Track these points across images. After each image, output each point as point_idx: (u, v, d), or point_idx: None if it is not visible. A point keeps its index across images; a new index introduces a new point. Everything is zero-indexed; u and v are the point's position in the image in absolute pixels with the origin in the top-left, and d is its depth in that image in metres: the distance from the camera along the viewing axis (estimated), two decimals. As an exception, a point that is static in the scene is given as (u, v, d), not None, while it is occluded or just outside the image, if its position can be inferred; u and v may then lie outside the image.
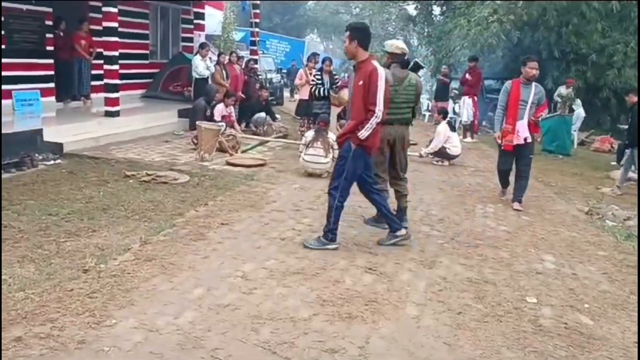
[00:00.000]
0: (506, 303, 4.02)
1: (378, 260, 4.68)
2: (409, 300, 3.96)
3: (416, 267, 4.62)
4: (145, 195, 6.24)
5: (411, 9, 23.24)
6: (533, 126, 6.83)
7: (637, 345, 3.53)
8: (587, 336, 3.60)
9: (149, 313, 3.47)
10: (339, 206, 4.83)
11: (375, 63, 4.70)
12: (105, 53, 9.72)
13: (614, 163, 11.33)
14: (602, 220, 6.70)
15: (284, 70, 22.71)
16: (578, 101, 14.42)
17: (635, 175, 9.61)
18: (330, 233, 4.87)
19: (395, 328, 3.52)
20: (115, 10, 9.32)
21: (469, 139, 12.62)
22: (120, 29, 10.26)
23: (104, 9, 9.40)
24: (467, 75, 12.74)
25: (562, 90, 13.60)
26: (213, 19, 17.27)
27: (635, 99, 9.24)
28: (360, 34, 4.75)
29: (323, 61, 9.64)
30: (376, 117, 4.61)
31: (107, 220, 5.30)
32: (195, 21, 12.49)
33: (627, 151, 9.07)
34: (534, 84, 6.72)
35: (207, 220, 5.45)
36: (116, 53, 9.60)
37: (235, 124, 10.22)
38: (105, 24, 9.44)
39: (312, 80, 9.45)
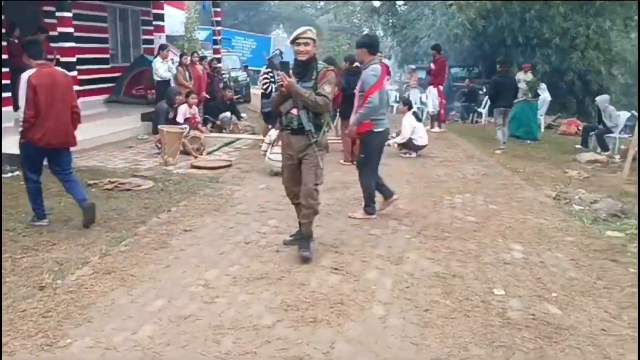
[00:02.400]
0: (474, 297, 3.98)
1: (344, 260, 4.60)
2: (375, 299, 3.89)
3: (383, 264, 4.56)
4: (107, 204, 6.08)
5: (375, 1, 23.21)
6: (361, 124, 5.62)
7: (603, 332, 3.52)
8: (555, 326, 3.57)
9: (106, 330, 3.34)
10: (32, 190, 5.32)
11: (31, 71, 4.99)
12: (62, 59, 9.44)
13: (579, 146, 11.48)
14: (570, 205, 6.72)
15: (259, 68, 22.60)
16: (543, 85, 14.54)
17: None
18: (35, 212, 5.35)
19: (361, 330, 3.45)
20: (69, 15, 9.07)
21: (436, 129, 12.62)
22: (77, 34, 10.00)
23: (58, 14, 9.13)
24: (432, 65, 12.73)
25: (520, 75, 13.70)
26: (174, 20, 16.97)
27: (500, 68, 11.47)
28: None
29: (275, 56, 9.41)
30: (23, 115, 5.04)
31: (67, 233, 5.14)
32: (154, 22, 12.24)
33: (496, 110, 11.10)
34: (367, 68, 5.56)
35: (169, 227, 5.31)
36: (73, 59, 9.33)
37: (200, 126, 10.04)
38: (60, 29, 9.17)
39: (263, 79, 9.33)
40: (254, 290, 3.95)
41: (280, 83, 4.41)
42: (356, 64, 9.06)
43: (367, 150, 5.74)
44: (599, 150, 10.83)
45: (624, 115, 11.25)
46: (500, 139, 10.71)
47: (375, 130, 5.62)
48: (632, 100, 20.28)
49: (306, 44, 4.41)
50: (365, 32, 31.61)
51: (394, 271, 4.42)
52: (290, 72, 4.45)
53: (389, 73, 15.30)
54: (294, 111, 4.48)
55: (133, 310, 3.61)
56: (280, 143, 7.45)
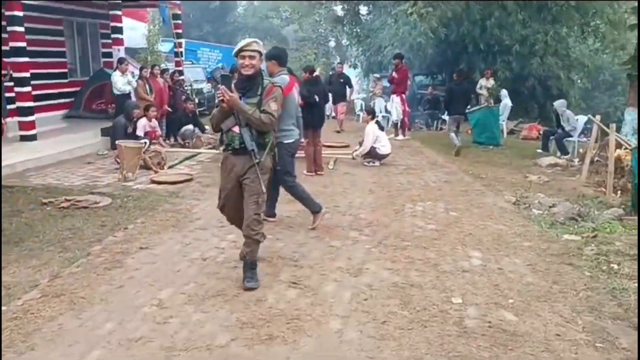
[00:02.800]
0: (431, 307, 3.96)
1: (303, 273, 4.54)
2: (332, 313, 3.84)
3: (342, 276, 4.51)
4: (63, 223, 5.91)
5: (339, 10, 23.33)
6: None
7: (558, 337, 3.54)
8: (511, 333, 3.57)
9: (50, 357, 3.21)
10: None
11: None
12: (15, 75, 9.21)
13: (540, 150, 11.66)
14: (529, 210, 6.79)
15: None
16: (504, 91, 14.79)
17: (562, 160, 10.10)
18: None
19: (317, 345, 3.40)
20: (21, 29, 8.85)
21: (400, 137, 12.70)
22: (32, 48, 9.80)
23: (9, 28, 8.90)
24: (394, 74, 12.82)
25: (483, 82, 13.89)
26: (136, 32, 16.78)
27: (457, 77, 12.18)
28: None
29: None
30: None
31: (18, 255, 4.96)
32: (113, 36, 12.04)
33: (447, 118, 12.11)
34: (275, 79, 5.36)
35: (125, 245, 5.18)
36: (27, 74, 9.12)
37: (161, 139, 9.89)
38: (12, 44, 8.94)
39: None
40: (209, 309, 3.86)
41: (222, 98, 4.02)
42: (316, 73, 9.10)
43: (279, 162, 5.53)
44: (559, 154, 11.03)
45: (582, 119, 11.48)
46: (455, 139, 11.24)
47: (285, 141, 5.63)
48: (591, 104, 20.81)
49: (251, 57, 4.12)
50: (330, 42, 31.84)
51: (353, 283, 4.38)
52: (233, 86, 4.12)
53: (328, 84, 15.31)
54: (236, 129, 4.15)
55: (81, 335, 3.48)
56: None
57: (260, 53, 4.18)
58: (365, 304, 4.00)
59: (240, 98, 4.10)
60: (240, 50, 4.13)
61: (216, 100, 4.20)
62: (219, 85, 4.09)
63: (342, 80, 14.19)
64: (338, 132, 13.93)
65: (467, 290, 4.27)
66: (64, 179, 8.08)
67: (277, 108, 4.20)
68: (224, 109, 4.09)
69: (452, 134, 11.37)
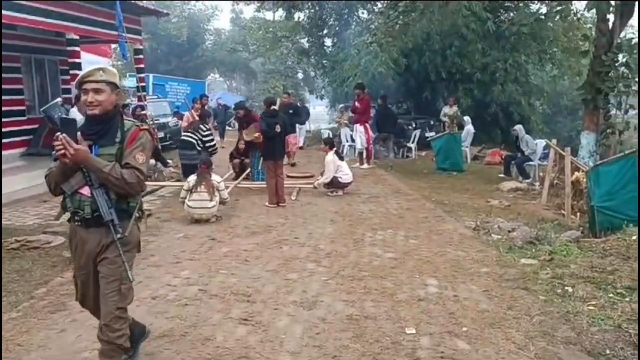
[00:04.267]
0: (384, 338, 3.87)
1: (255, 309, 4.42)
2: (282, 349, 3.72)
3: (295, 310, 4.40)
4: (11, 265, 5.69)
5: (305, 42, 23.58)
6: None
7: (510, 366, 3.48)
8: (463, 363, 3.50)
9: (-22, 410, 3.02)
10: None
11: None
12: (-33, 113, 9.00)
13: (502, 175, 11.79)
14: (489, 235, 6.79)
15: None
16: (467, 118, 15.00)
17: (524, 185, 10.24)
18: None
19: (263, 385, 3.27)
20: (-28, 67, 8.67)
21: (365, 165, 12.72)
22: (-15, 86, 9.58)
23: (-40, 66, 8.72)
24: (356, 104, 12.90)
25: (447, 109, 14.02)
26: (99, 67, 16.61)
27: (381, 102, 14.24)
28: None
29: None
30: None
31: (-43, 301, 4.73)
32: (71, 72, 11.85)
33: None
34: None
35: (72, 286, 4.92)
36: (-21, 113, 8.90)
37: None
38: (-37, 82, 8.75)
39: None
40: (153, 351, 3.70)
41: (62, 151, 2.78)
42: (274, 106, 9.11)
43: None
44: (520, 178, 11.16)
45: (541, 143, 11.66)
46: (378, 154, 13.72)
47: None
48: (554, 129, 21.22)
49: (97, 90, 2.93)
50: (298, 74, 32.10)
51: (306, 317, 4.27)
52: (79, 133, 2.87)
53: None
54: (85, 191, 2.96)
55: (14, 384, 3.30)
56: (198, 189, 7.31)
57: (113, 85, 3.01)
58: (317, 338, 3.90)
59: (90, 148, 2.91)
60: (82, 82, 2.97)
61: (53, 153, 2.89)
62: (60, 134, 2.82)
63: (290, 111, 13.70)
64: (292, 165, 13.21)
65: (422, 319, 4.20)
66: (15, 218, 7.83)
67: (144, 160, 3.02)
68: (67, 165, 2.86)
69: (378, 151, 13.98)
